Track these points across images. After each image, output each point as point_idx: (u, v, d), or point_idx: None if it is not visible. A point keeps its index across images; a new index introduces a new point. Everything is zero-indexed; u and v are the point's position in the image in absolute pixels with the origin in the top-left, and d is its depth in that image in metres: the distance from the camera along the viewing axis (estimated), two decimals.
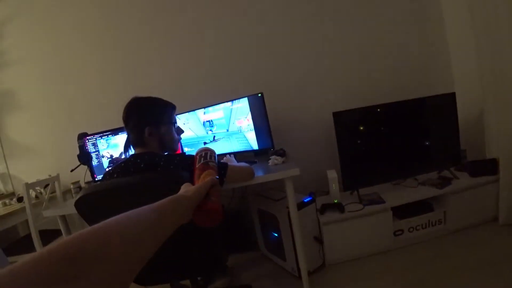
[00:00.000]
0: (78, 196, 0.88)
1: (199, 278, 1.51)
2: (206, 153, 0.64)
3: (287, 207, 1.46)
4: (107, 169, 1.24)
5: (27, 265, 0.22)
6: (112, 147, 1.86)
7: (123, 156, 1.15)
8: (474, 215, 1.82)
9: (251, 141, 1.76)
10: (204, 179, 0.57)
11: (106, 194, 0.89)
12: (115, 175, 1.01)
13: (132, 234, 0.31)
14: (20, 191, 2.35)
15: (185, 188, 0.49)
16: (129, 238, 0.30)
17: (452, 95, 1.90)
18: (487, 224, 1.81)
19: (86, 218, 0.92)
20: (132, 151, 1.11)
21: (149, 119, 1.05)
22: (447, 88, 1.95)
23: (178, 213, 0.40)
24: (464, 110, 1.94)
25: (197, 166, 0.62)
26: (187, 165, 0.96)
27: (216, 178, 0.56)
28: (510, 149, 1.70)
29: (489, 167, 1.83)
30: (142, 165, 0.99)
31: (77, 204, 0.89)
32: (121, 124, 1.09)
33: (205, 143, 1.78)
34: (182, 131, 1.20)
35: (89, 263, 0.25)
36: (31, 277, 0.21)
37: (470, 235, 1.75)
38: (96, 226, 0.29)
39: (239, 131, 1.77)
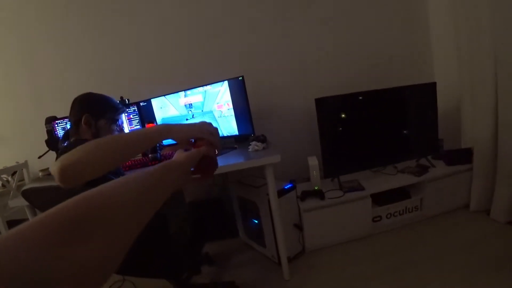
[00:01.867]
0: (22, 189, 0.93)
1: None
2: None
3: (268, 194, 1.44)
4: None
5: (33, 227, 0.21)
6: None
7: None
8: (448, 202, 1.88)
9: (231, 126, 1.72)
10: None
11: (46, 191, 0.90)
12: None
13: (132, 197, 0.32)
14: None
15: (178, 154, 0.52)
16: (130, 201, 0.31)
17: (433, 85, 1.92)
18: (459, 211, 1.88)
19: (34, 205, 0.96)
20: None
21: (89, 109, 1.06)
22: (427, 80, 1.98)
23: (172, 178, 0.43)
24: (442, 101, 1.97)
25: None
26: None
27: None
28: (483, 140, 1.75)
29: (464, 156, 1.89)
30: None
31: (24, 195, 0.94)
32: None
33: (186, 119, 1.85)
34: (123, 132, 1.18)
35: (94, 225, 0.25)
36: (36, 239, 0.20)
37: (444, 221, 1.82)
38: (96, 189, 0.29)
39: (213, 111, 1.78)
